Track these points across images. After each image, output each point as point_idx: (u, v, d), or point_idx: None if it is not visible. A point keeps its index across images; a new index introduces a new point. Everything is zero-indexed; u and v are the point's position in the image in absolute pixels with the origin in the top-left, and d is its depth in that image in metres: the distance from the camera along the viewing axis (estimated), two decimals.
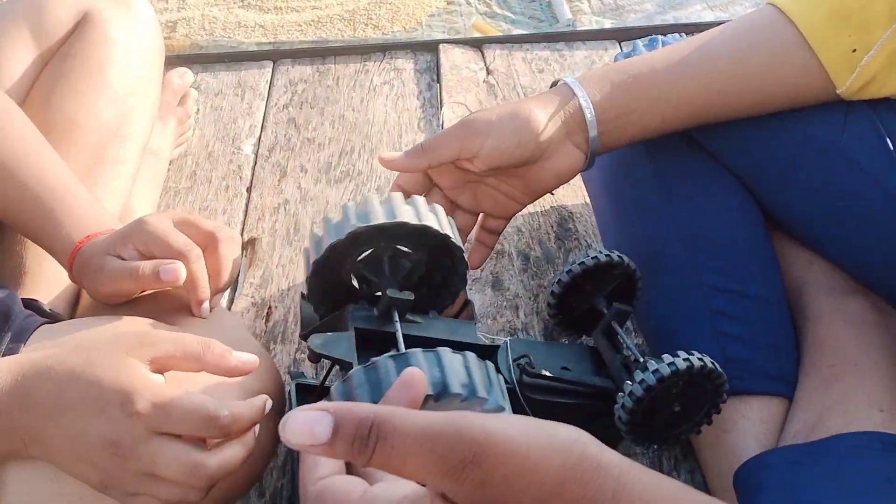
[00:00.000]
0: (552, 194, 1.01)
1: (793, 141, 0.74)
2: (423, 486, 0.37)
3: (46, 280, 0.76)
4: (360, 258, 0.66)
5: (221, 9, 1.75)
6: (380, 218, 0.63)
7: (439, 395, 0.52)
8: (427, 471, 0.30)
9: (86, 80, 0.83)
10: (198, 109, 1.13)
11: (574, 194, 0.99)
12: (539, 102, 0.68)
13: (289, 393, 0.66)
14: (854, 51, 0.67)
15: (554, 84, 0.73)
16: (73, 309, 0.77)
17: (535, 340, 0.81)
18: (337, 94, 1.15)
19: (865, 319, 0.71)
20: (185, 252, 0.61)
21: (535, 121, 0.67)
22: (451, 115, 1.10)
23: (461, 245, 0.65)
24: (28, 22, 0.84)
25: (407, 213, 0.64)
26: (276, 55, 1.24)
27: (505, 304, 0.87)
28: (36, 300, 0.69)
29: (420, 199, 0.66)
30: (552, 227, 0.96)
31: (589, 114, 0.68)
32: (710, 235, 0.75)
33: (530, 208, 0.98)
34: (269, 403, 0.53)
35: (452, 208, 0.75)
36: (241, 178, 1.03)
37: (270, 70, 1.21)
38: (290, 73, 1.20)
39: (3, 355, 0.59)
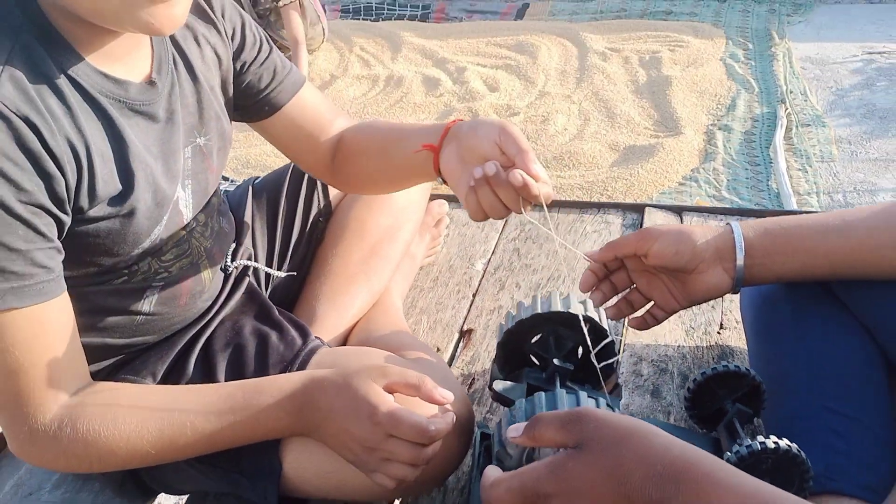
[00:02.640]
0: (718, 333, 1.19)
1: None
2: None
3: (327, 327, 1.09)
4: (535, 337, 0.91)
5: None
6: (555, 307, 0.88)
7: None
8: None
9: (376, 198, 1.19)
10: (448, 234, 1.46)
11: (738, 337, 1.17)
12: (702, 228, 0.90)
13: (475, 438, 0.92)
14: None
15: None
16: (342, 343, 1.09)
17: (670, 423, 0.98)
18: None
19: None
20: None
21: (693, 238, 0.88)
22: None
23: (612, 338, 0.88)
24: None
25: (575, 307, 0.89)
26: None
27: (659, 409, 1.06)
28: (319, 337, 1.01)
29: (590, 303, 0.91)
30: (713, 358, 1.13)
31: (738, 246, 0.89)
32: (833, 370, 0.90)
33: (698, 342, 1.17)
34: (454, 417, 0.79)
35: (632, 288, 0.95)
36: (469, 286, 1.33)
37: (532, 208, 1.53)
38: (522, 216, 1.51)
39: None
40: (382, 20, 4.38)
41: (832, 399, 0.88)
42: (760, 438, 0.76)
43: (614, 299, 0.96)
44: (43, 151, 0.68)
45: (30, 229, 0.68)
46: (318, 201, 1.20)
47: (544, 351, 0.91)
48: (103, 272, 0.82)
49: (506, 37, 3.92)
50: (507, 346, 0.91)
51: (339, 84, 3.55)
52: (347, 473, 0.82)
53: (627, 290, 0.95)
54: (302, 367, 0.92)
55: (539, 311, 0.88)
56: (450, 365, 1.17)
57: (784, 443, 0.75)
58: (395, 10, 4.49)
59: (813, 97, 3.15)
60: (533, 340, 0.91)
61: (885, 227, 0.88)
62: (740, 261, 0.89)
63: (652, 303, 0.96)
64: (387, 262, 1.18)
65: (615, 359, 0.89)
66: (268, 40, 1.00)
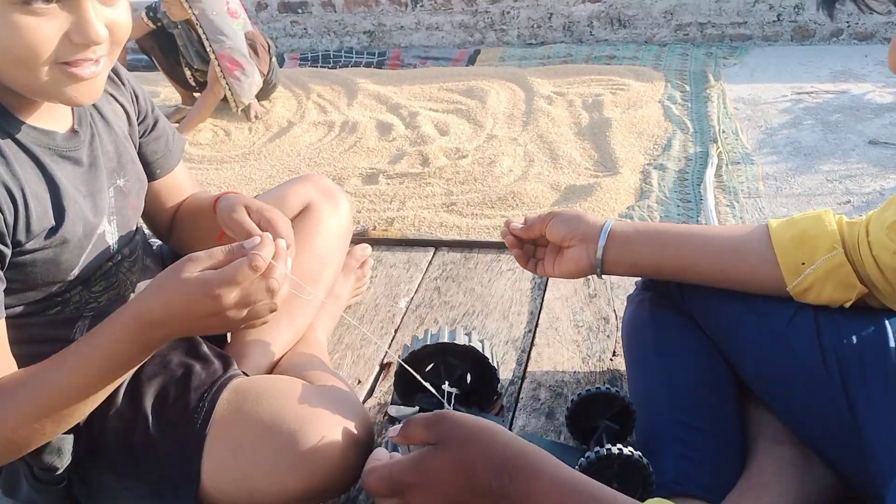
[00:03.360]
0: (611, 360, 1.32)
1: (752, 328, 1.02)
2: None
3: (252, 361, 1.20)
4: (428, 366, 1.03)
5: (430, 212, 2.30)
6: (443, 339, 1.01)
7: None
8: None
9: (301, 246, 1.32)
10: (376, 275, 1.59)
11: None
12: (593, 218, 1.05)
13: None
14: (802, 263, 0.96)
15: None
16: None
17: (546, 439, 1.10)
18: (472, 274, 1.57)
19: (792, 462, 0.94)
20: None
21: (579, 222, 1.04)
22: (550, 296, 1.47)
23: (494, 366, 1.01)
24: (275, 205, 1.36)
25: (461, 339, 1.01)
26: (439, 244, 1.70)
27: (552, 428, 1.18)
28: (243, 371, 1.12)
29: (475, 335, 1.04)
30: (604, 382, 1.26)
31: (603, 231, 1.03)
32: (687, 386, 1.03)
33: (592, 367, 1.30)
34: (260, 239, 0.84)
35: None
36: (392, 322, 1.45)
37: (432, 254, 1.67)
38: (444, 257, 1.65)
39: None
40: (340, 67, 4.54)
41: (685, 412, 1.01)
42: (608, 446, 0.88)
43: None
44: None
45: None
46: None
47: (437, 378, 1.03)
48: (39, 300, 0.94)
49: (457, 82, 4.10)
50: (402, 374, 1.03)
51: (295, 130, 3.68)
52: (258, 480, 0.93)
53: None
54: (219, 391, 1.03)
55: (428, 342, 1.01)
56: (369, 395, 1.29)
57: (627, 450, 0.88)
58: (353, 57, 4.66)
59: (743, 136, 3.34)
60: (427, 369, 1.03)
61: (739, 238, 1.01)
62: (602, 241, 1.03)
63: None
64: (309, 303, 1.30)
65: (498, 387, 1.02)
66: (155, 112, 1.17)
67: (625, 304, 1.19)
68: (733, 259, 1.00)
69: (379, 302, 1.52)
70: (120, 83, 1.09)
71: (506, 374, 1.30)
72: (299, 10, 4.77)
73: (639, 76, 4.01)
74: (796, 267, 0.96)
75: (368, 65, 4.55)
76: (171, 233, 1.26)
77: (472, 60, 4.49)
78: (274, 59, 3.89)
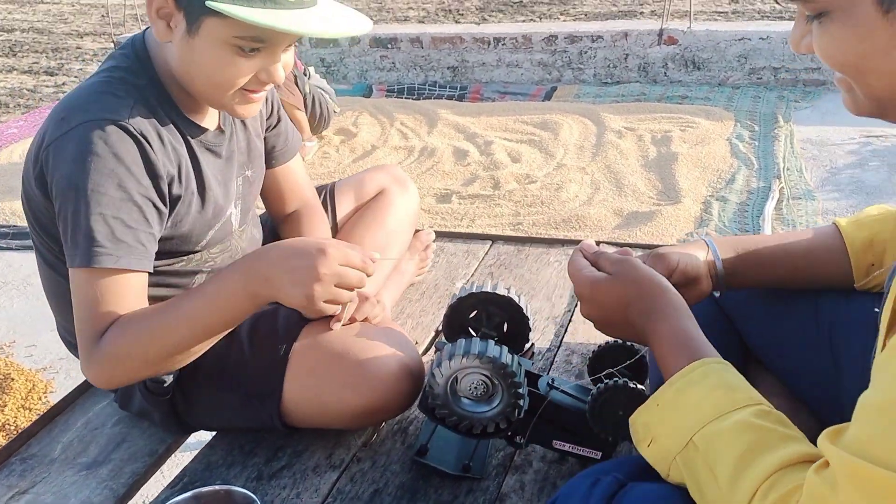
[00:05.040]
0: None
1: (758, 301, 1.16)
2: None
3: None
4: (472, 313, 1.22)
5: (497, 230, 2.51)
6: (485, 289, 1.20)
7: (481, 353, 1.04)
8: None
9: (374, 221, 1.54)
10: (438, 260, 1.79)
11: None
12: (696, 249, 1.08)
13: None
14: (871, 265, 1.09)
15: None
16: None
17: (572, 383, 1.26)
18: (524, 263, 1.75)
19: (784, 412, 1.08)
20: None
21: (697, 259, 1.07)
22: None
23: (528, 316, 1.19)
24: (353, 189, 1.59)
25: (501, 291, 1.20)
26: (496, 238, 1.89)
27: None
28: None
29: (514, 288, 1.22)
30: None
31: (719, 263, 1.08)
32: None
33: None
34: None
35: None
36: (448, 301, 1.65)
37: (489, 245, 1.86)
38: (500, 249, 1.84)
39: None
40: (423, 98, 4.83)
41: None
42: (615, 380, 1.04)
43: None
44: (155, 161, 1.06)
45: (141, 215, 1.05)
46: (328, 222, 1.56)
47: (478, 324, 1.21)
48: (167, 258, 1.18)
49: (532, 115, 4.32)
50: (450, 318, 1.22)
51: (378, 153, 3.96)
52: (328, 397, 1.13)
53: None
54: (301, 325, 1.23)
55: (473, 291, 1.19)
56: (423, 354, 1.48)
57: (632, 383, 1.04)
58: (436, 90, 4.95)
59: (807, 174, 3.43)
60: (471, 316, 1.22)
61: (808, 242, 1.10)
62: (720, 269, 1.08)
63: None
64: (378, 273, 1.51)
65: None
66: (280, 111, 1.41)
67: None
68: (806, 260, 1.09)
69: (438, 282, 1.72)
70: None
71: (544, 342, 1.47)
72: (389, 46, 5.11)
73: (709, 115, 4.14)
74: (867, 269, 1.07)
75: (450, 97, 4.83)
76: (285, 224, 1.48)
77: (548, 96, 4.71)
78: (318, 98, 3.96)
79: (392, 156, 3.95)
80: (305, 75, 3.91)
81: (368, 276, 1.07)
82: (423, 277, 1.73)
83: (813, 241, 1.11)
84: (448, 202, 3.38)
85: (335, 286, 1.03)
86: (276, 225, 1.50)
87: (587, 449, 1.13)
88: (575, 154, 3.81)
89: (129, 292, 1.06)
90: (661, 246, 1.16)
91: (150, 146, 1.06)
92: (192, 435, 1.34)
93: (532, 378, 1.16)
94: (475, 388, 1.09)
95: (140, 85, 1.10)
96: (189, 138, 1.15)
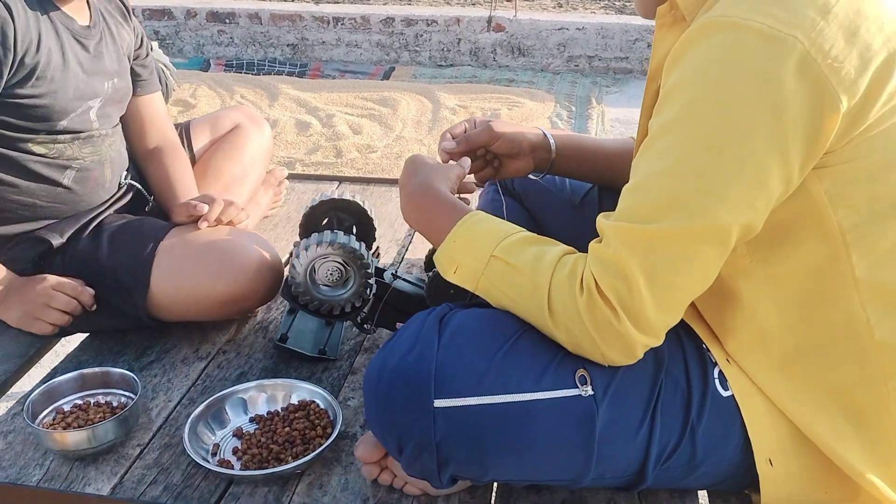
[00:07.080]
0: None
1: (561, 208, 1.43)
2: None
3: None
4: (325, 219, 1.40)
5: None
6: (334, 196, 1.38)
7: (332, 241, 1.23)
8: None
9: (231, 153, 1.68)
10: (288, 197, 1.95)
11: None
12: (526, 129, 1.28)
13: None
14: None
15: None
16: None
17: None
18: (370, 199, 1.95)
19: None
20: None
21: (523, 138, 1.26)
22: None
23: (372, 217, 1.39)
24: (209, 125, 1.72)
25: (347, 196, 1.39)
26: (343, 178, 2.08)
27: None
28: None
29: (359, 197, 1.42)
30: None
31: (553, 143, 1.29)
32: None
33: None
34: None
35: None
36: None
37: (337, 185, 2.04)
38: (347, 187, 2.03)
39: None
40: (263, 74, 4.90)
41: None
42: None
43: None
44: (8, 29, 1.19)
45: None
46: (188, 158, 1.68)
47: (330, 228, 1.40)
48: (36, 124, 1.29)
49: (372, 92, 4.52)
50: (306, 224, 1.40)
51: None
52: (195, 285, 1.28)
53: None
54: (169, 228, 1.37)
55: (326, 198, 1.38)
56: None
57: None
58: (276, 66, 5.03)
59: None
60: (323, 223, 1.40)
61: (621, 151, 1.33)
62: (553, 155, 1.28)
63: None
64: (237, 199, 1.65)
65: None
66: (149, 54, 1.56)
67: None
68: (621, 159, 1.29)
69: (290, 215, 1.88)
70: (129, 19, 1.52)
71: (388, 259, 1.68)
72: (227, 21, 5.12)
73: (533, 97, 4.52)
74: None
75: (290, 74, 4.92)
76: (147, 162, 1.58)
77: (386, 76, 4.92)
78: (159, 72, 4.03)
79: None
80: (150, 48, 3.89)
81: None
82: (276, 211, 1.89)
83: (626, 144, 1.36)
84: (292, 170, 3.50)
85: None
86: (139, 163, 1.60)
87: None
88: (413, 127, 4.05)
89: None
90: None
91: (12, 16, 1.19)
92: (63, 340, 1.43)
93: (378, 272, 1.36)
94: (331, 274, 1.27)
95: None
96: (57, 24, 1.30)
